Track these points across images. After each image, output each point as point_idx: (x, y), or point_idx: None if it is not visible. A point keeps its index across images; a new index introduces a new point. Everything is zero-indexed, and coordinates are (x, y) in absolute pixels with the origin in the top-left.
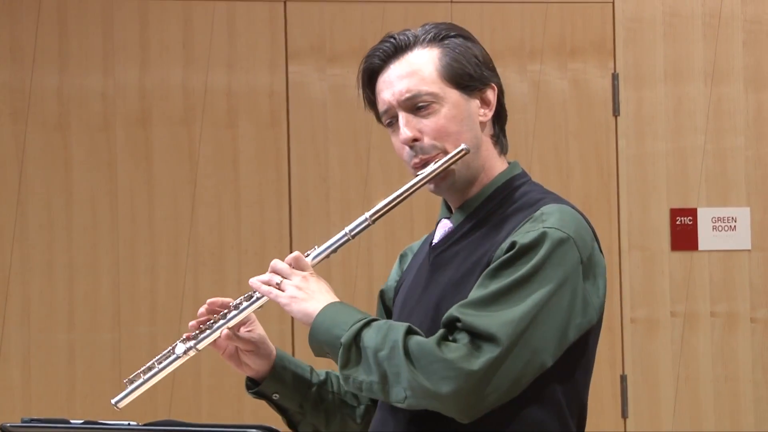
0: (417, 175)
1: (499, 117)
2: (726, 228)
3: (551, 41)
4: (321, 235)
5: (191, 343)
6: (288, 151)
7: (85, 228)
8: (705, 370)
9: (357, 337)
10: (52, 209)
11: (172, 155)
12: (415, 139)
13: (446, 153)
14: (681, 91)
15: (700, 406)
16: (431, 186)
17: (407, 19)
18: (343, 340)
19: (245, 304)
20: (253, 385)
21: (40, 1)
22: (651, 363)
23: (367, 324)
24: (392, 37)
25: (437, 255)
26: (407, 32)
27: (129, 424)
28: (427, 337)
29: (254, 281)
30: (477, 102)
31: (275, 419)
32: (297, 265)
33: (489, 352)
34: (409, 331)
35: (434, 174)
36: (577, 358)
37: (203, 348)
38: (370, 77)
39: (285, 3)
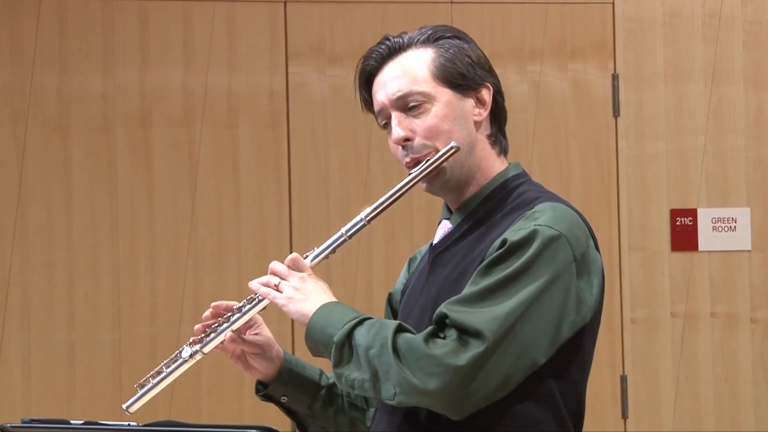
0: (409, 174)
1: (497, 117)
2: (726, 228)
3: (551, 42)
4: (321, 236)
5: (197, 347)
6: (288, 151)
7: (85, 228)
8: (705, 371)
9: (350, 335)
10: (52, 210)
11: (172, 156)
12: (407, 139)
13: (438, 152)
14: (681, 92)
15: (700, 406)
16: (424, 185)
17: (407, 19)
18: (335, 338)
19: (247, 306)
20: (263, 387)
21: (40, 1)
22: (651, 363)
23: (360, 323)
24: (388, 39)
25: (436, 255)
26: (403, 34)
27: (129, 425)
28: None
29: (253, 283)
30: (471, 101)
31: (275, 420)
32: (295, 267)
33: (475, 348)
34: (399, 329)
35: (426, 172)
36: (572, 355)
37: (209, 351)
38: (367, 79)
39: (285, 4)
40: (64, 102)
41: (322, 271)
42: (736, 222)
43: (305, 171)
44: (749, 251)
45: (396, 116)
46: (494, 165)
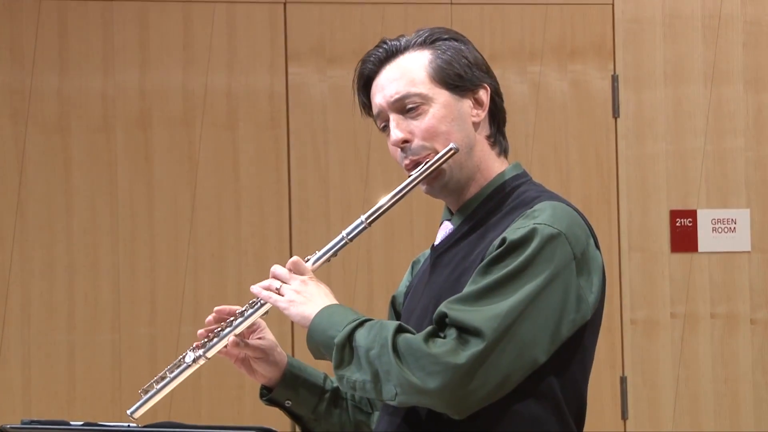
0: (409, 176)
1: (496, 118)
2: (726, 229)
3: (551, 42)
4: (321, 237)
5: (200, 351)
6: (288, 152)
7: (85, 229)
8: (705, 372)
9: (350, 337)
10: (52, 210)
11: (172, 156)
12: (406, 141)
13: (437, 153)
14: (681, 93)
15: (700, 407)
16: (424, 187)
17: (407, 20)
18: (336, 340)
19: (250, 311)
20: (266, 392)
21: (40, 2)
22: (651, 364)
23: (361, 324)
24: (385, 42)
25: (438, 256)
26: (401, 38)
27: (129, 426)
28: None
29: (255, 287)
30: (469, 102)
31: (275, 421)
32: (296, 270)
33: (474, 346)
34: (399, 329)
35: (425, 174)
36: (572, 354)
37: (212, 356)
38: (365, 83)
39: (285, 4)
40: (64, 102)
41: (322, 272)
42: (735, 223)
43: (305, 172)
44: (749, 252)
45: (394, 118)
46: (494, 165)
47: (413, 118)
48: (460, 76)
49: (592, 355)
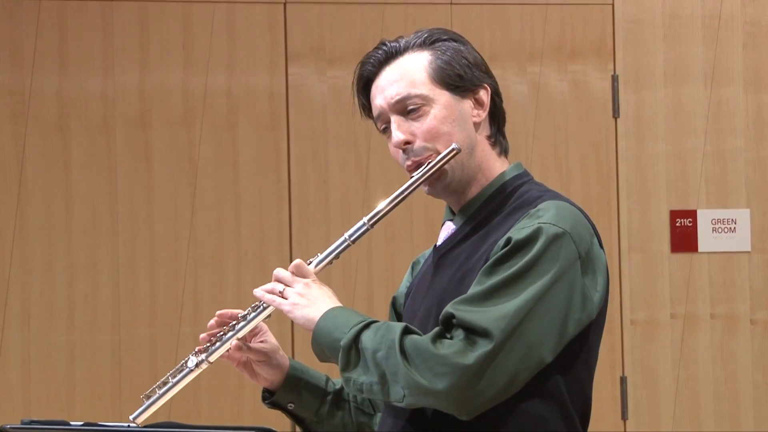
0: (411, 177)
1: (496, 118)
2: (726, 230)
3: (551, 43)
4: (321, 237)
5: (203, 356)
6: (288, 153)
7: (85, 230)
8: (705, 372)
9: (356, 339)
10: (51, 211)
11: (171, 157)
12: (407, 142)
13: (438, 154)
14: (681, 93)
15: (699, 407)
16: (426, 188)
17: (407, 20)
18: (342, 342)
19: (252, 314)
20: (269, 395)
21: (39, 3)
22: (651, 365)
23: (367, 326)
24: (384, 44)
25: (440, 257)
26: (399, 39)
27: (129, 426)
28: None
29: (258, 291)
30: (470, 103)
31: (274, 421)
32: (299, 273)
33: (483, 347)
34: (406, 331)
35: (427, 175)
36: (578, 353)
37: (215, 360)
38: (364, 85)
39: (285, 5)
40: (64, 103)
41: (323, 274)
42: (735, 223)
43: (305, 172)
44: (749, 252)
45: (395, 120)
46: (495, 165)
47: (414, 119)
48: (461, 76)
49: (597, 354)
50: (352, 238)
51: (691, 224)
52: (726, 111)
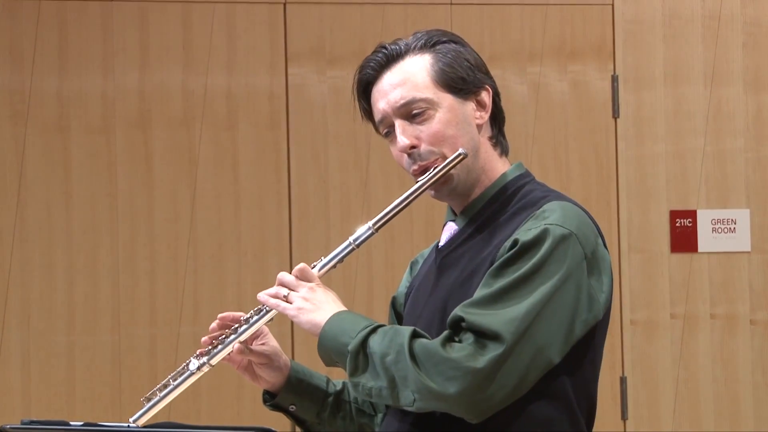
0: (417, 182)
1: (496, 119)
2: (726, 230)
3: (551, 43)
4: (321, 238)
5: (204, 359)
6: (288, 153)
7: (85, 230)
8: (705, 372)
9: (364, 343)
10: (51, 211)
11: (171, 157)
12: (413, 146)
13: (444, 158)
14: (680, 93)
15: (699, 408)
16: (432, 192)
17: (407, 20)
18: (350, 347)
19: (255, 317)
20: (270, 397)
21: (39, 3)
22: (651, 365)
23: (374, 330)
24: (384, 47)
25: (443, 258)
26: (399, 41)
27: (128, 427)
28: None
29: (262, 295)
30: (472, 105)
31: (274, 421)
32: (303, 277)
33: (494, 350)
34: (415, 335)
35: (434, 180)
36: (583, 353)
37: (217, 363)
38: (365, 88)
39: (285, 5)
40: (64, 103)
41: (322, 277)
42: (735, 223)
43: (305, 172)
44: (749, 253)
45: (399, 124)
46: (497, 166)
47: (419, 123)
48: (463, 78)
49: (602, 354)
50: (356, 243)
51: (691, 224)
52: (726, 111)
